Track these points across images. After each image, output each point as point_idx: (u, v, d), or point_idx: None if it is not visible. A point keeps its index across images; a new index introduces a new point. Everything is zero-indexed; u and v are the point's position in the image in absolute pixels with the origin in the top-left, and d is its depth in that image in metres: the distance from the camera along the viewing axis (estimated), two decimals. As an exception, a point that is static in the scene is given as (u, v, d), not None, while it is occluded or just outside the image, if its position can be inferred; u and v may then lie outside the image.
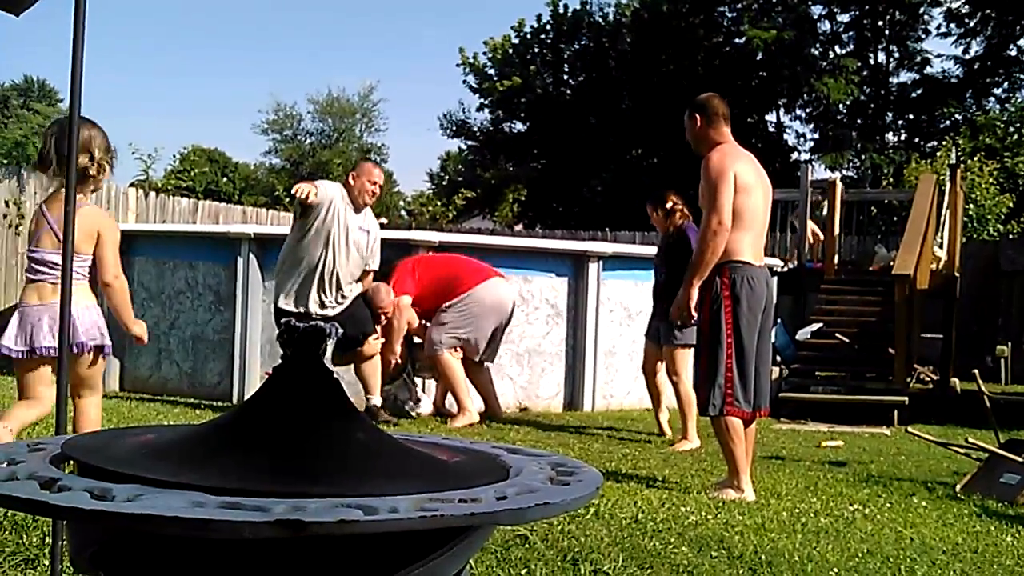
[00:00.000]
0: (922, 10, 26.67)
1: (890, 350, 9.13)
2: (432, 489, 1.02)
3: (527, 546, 2.94)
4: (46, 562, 2.52)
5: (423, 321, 6.47)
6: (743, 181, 4.29)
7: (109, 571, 1.12)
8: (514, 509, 1.01)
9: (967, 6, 25.69)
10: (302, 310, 5.82)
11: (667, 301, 6.17)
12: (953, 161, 14.58)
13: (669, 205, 6.25)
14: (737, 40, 27.24)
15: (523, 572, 2.71)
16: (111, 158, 3.73)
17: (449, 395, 6.64)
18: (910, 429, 6.44)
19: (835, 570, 3.07)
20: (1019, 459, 4.99)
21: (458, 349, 6.37)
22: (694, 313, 4.39)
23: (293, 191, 5.87)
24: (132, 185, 13.93)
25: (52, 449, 1.19)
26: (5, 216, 11.42)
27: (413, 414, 6.54)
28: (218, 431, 1.16)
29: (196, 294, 7.41)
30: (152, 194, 13.72)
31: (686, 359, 6.05)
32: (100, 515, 0.91)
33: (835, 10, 27.19)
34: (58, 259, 3.34)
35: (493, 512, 0.99)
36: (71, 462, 1.15)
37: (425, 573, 1.03)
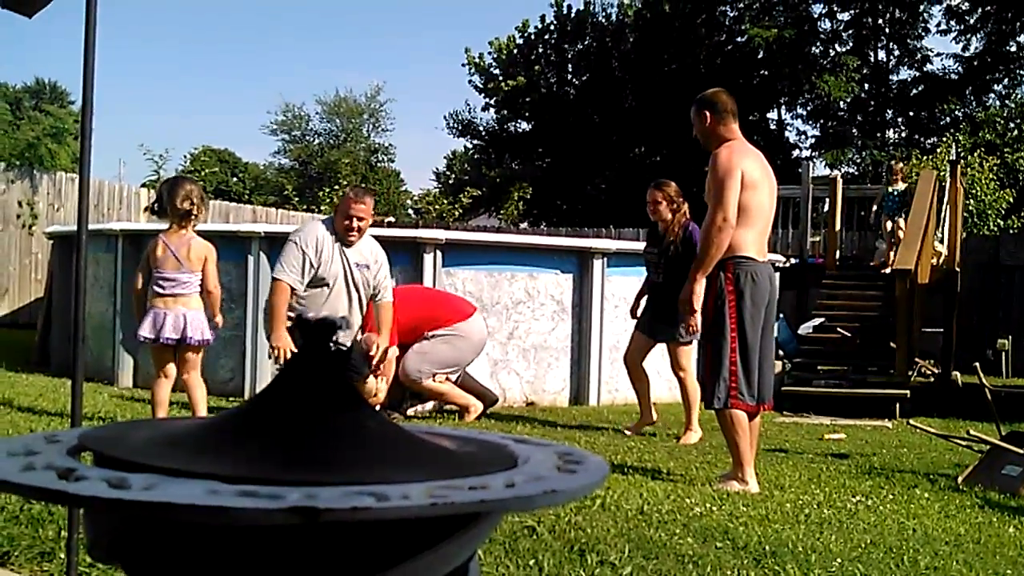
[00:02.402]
0: (922, 7, 26.72)
1: (891, 344, 9.15)
2: (442, 477, 1.03)
3: (535, 537, 2.96)
4: (62, 555, 2.55)
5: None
6: (750, 178, 4.31)
7: (125, 560, 1.14)
8: (522, 496, 1.02)
9: (966, 3, 25.69)
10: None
11: (666, 299, 5.94)
12: (953, 157, 14.59)
13: (678, 199, 6.14)
14: (739, 39, 27.28)
15: (531, 563, 2.73)
16: (205, 205, 5.23)
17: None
18: (912, 422, 6.47)
19: (838, 560, 3.09)
20: (1021, 451, 5.01)
21: (435, 377, 6.36)
22: (697, 308, 4.42)
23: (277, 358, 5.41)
24: (144, 185, 13.99)
25: (69, 441, 1.21)
26: (19, 216, 11.48)
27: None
28: (232, 422, 1.18)
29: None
30: (163, 194, 13.75)
31: (691, 355, 6.12)
32: (117, 503, 0.92)
33: (835, 8, 27.24)
34: (178, 276, 4.98)
35: (502, 499, 1.00)
36: (88, 453, 1.17)
37: (436, 559, 1.05)
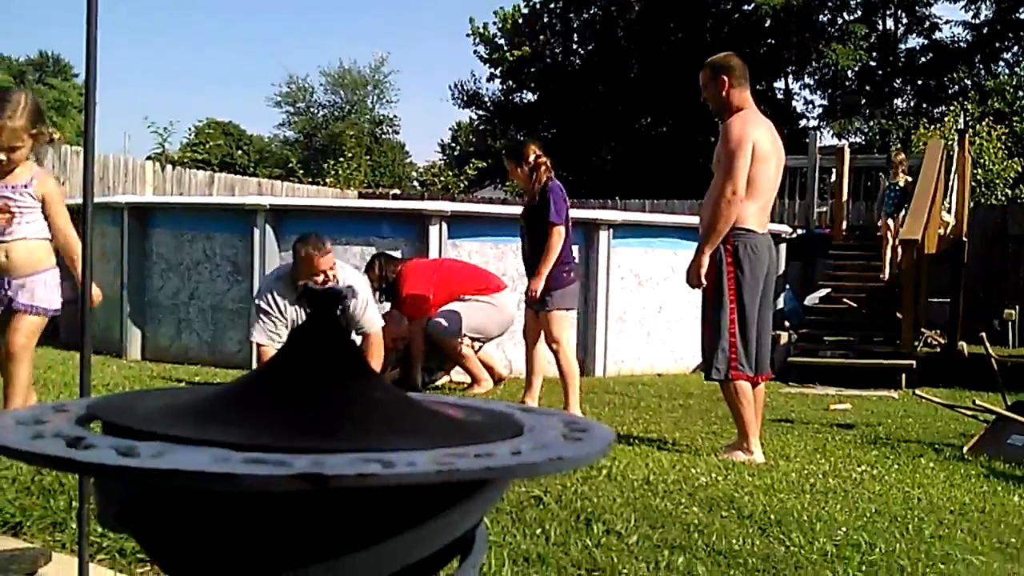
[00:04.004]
0: (931, -25, 26.40)
1: (898, 314, 9.14)
2: (448, 444, 1.04)
3: (541, 506, 2.98)
4: (73, 525, 2.58)
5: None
6: (760, 151, 4.27)
7: (135, 527, 1.15)
8: (528, 463, 1.03)
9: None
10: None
11: (533, 267, 5.45)
12: (961, 126, 14.47)
13: (532, 159, 5.53)
14: (745, 7, 27.04)
15: (538, 532, 2.75)
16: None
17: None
18: (917, 392, 6.48)
19: (843, 529, 3.11)
20: (1027, 421, 5.02)
21: (462, 340, 6.40)
22: (703, 281, 4.39)
23: None
24: (149, 158, 13.99)
25: (77, 410, 1.22)
26: (25, 188, 11.51)
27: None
28: (240, 391, 1.18)
29: (214, 265, 7.49)
30: (169, 167, 13.79)
31: (563, 323, 5.51)
32: (126, 471, 0.92)
33: (844, -25, 26.93)
34: None
35: (508, 466, 1.01)
36: (96, 422, 1.18)
37: (442, 526, 1.06)
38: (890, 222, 10.36)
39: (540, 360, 5.65)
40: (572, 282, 5.47)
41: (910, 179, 10.42)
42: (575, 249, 7.72)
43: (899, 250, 9.84)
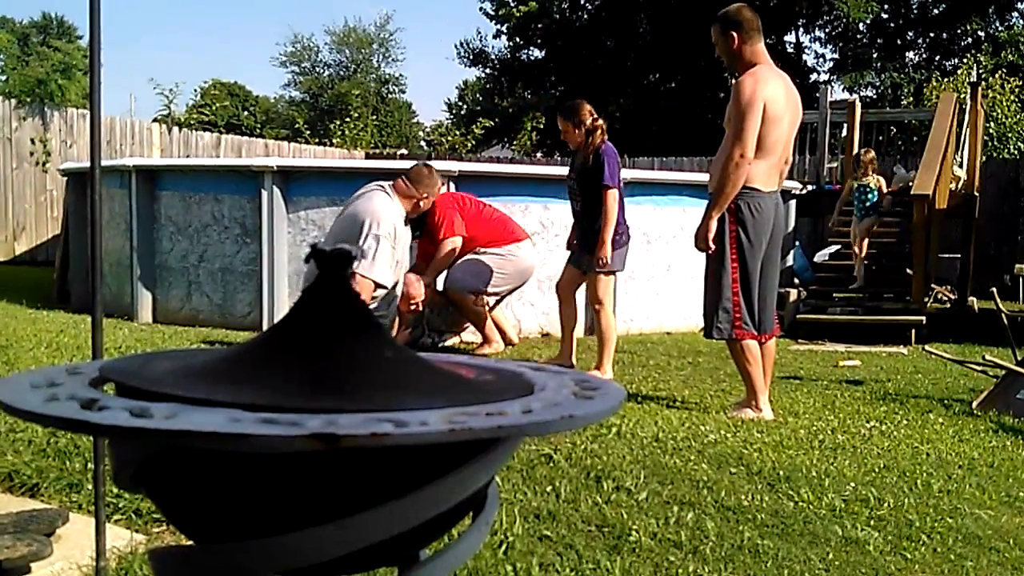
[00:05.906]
0: (945, -78, 25.92)
1: (908, 270, 9.11)
2: (460, 404, 1.04)
3: (552, 464, 3.00)
4: (89, 486, 2.61)
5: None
6: (773, 111, 4.21)
7: (149, 488, 1.16)
8: (540, 421, 1.03)
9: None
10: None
11: (585, 228, 5.59)
12: (974, 79, 14.30)
13: (589, 122, 5.55)
14: (755, -42, 26.61)
15: (548, 489, 2.77)
16: None
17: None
18: (927, 348, 6.47)
19: (852, 484, 3.12)
20: (1037, 376, 5.02)
21: (478, 298, 6.37)
22: (712, 244, 4.36)
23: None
24: (155, 120, 13.97)
25: (90, 372, 1.23)
26: (32, 154, 11.50)
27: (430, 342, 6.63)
28: (251, 352, 1.18)
29: (223, 227, 7.48)
30: (175, 129, 13.76)
31: (608, 286, 5.63)
32: (140, 432, 0.93)
33: (856, -76, 26.43)
34: None
35: (519, 424, 1.01)
36: (109, 384, 1.18)
37: (454, 484, 1.06)
38: (859, 231, 9.60)
39: (573, 318, 5.82)
40: (623, 244, 5.57)
41: (883, 180, 9.71)
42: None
43: (867, 261, 9.54)
